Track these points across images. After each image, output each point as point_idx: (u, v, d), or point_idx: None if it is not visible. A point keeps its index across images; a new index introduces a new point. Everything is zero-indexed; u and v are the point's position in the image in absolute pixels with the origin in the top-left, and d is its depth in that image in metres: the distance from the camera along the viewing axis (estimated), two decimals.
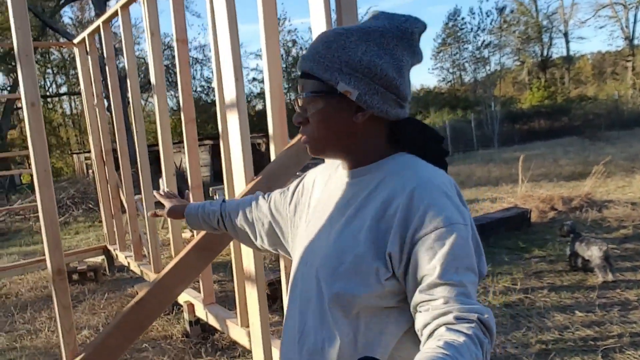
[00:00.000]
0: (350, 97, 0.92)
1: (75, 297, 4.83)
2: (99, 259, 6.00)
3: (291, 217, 1.17)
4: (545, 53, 32.37)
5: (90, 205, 11.26)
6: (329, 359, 0.94)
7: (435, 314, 0.80)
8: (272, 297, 4.08)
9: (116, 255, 5.51)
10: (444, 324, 0.78)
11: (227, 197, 2.89)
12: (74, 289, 5.17)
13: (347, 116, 0.94)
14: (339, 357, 0.93)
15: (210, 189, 8.06)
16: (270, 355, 1.85)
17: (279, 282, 4.21)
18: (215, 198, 8.01)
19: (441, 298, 0.81)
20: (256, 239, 1.29)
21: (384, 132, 0.97)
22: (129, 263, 5.07)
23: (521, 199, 6.62)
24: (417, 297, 0.84)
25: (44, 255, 5.74)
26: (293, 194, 1.19)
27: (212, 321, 3.36)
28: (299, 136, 1.80)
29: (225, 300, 4.32)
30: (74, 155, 22.48)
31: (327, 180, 1.09)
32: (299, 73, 0.98)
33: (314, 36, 1.90)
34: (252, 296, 1.80)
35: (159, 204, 5.10)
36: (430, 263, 0.83)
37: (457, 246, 0.84)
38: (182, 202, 1.48)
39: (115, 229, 5.52)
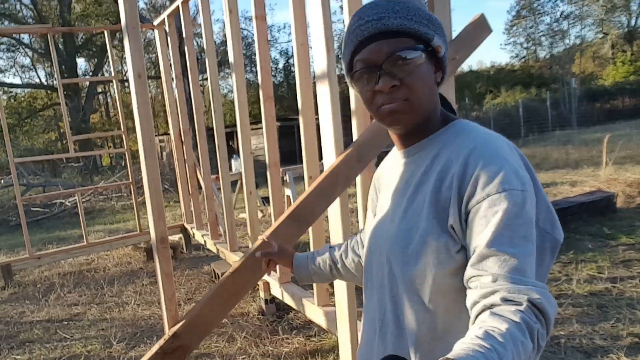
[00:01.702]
0: (438, 54, 0.90)
1: (155, 275, 5.06)
2: (177, 237, 6.24)
3: None
4: (633, 23, 29.75)
5: (166, 186, 11.75)
6: (411, 346, 0.91)
7: (482, 292, 0.76)
8: None
9: (193, 233, 5.71)
10: (490, 306, 0.74)
11: (305, 170, 2.87)
12: (154, 265, 5.42)
13: (431, 77, 0.91)
14: (420, 344, 0.90)
15: (281, 169, 8.15)
16: (356, 335, 1.81)
17: None
18: (285, 178, 8.10)
19: (490, 275, 0.76)
20: None
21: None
22: (205, 241, 5.24)
23: (605, 183, 6.15)
24: (468, 271, 0.80)
25: (127, 232, 6.01)
26: (373, 204, 1.15)
27: (288, 300, 3.39)
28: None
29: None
30: None
31: (388, 169, 1.07)
32: (373, 34, 0.88)
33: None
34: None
35: (233, 184, 5.19)
36: (482, 233, 0.79)
37: (512, 214, 0.77)
38: (286, 248, 1.38)
39: (192, 208, 5.72)
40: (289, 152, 15.39)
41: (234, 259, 4.38)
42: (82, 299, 4.46)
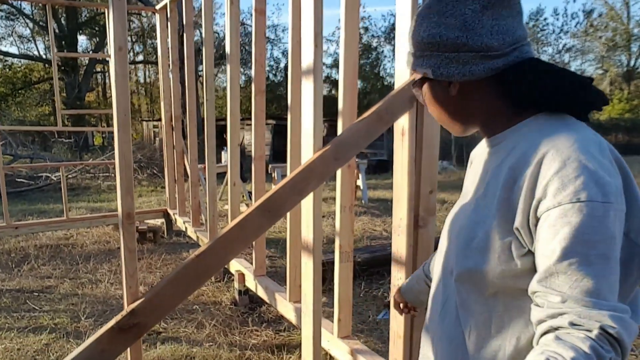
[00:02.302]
0: (429, 77, 0.91)
1: None
2: (159, 221, 6.23)
3: None
4: (632, 63, 30.24)
5: (155, 172, 11.72)
6: (464, 336, 0.90)
7: (550, 312, 0.71)
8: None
9: (175, 219, 5.70)
10: (556, 329, 0.69)
11: (289, 169, 2.89)
12: None
13: (444, 93, 0.92)
14: (472, 336, 0.89)
15: (270, 166, 8.16)
16: (319, 331, 1.83)
17: (331, 263, 4.22)
18: (273, 175, 8.11)
19: (559, 294, 0.70)
20: None
21: (498, 93, 0.88)
22: (186, 228, 5.24)
23: None
24: (534, 285, 0.75)
25: (109, 212, 5.98)
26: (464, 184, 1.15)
27: (261, 293, 3.40)
28: (372, 109, 1.75)
29: (275, 276, 4.36)
30: (144, 123, 23.47)
31: (478, 153, 1.03)
32: None
33: (397, 21, 1.83)
34: (308, 267, 1.78)
35: (221, 176, 5.20)
36: (550, 244, 0.72)
37: (587, 227, 0.70)
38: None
39: (176, 194, 5.71)
40: (284, 151, 15.47)
41: None
42: (56, 272, 4.44)
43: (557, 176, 0.73)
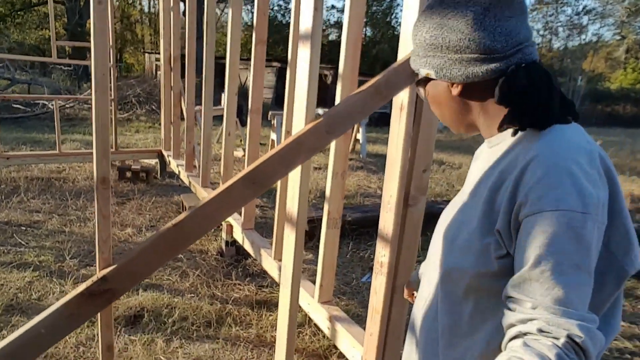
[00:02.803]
0: (431, 78, 0.92)
1: (125, 195, 5.02)
2: (153, 161, 6.17)
3: None
4: None
5: (154, 107, 11.54)
6: (439, 332, 0.94)
7: (520, 317, 0.72)
8: (309, 234, 4.08)
9: (169, 161, 5.65)
10: (525, 334, 0.71)
11: (284, 124, 2.81)
12: (125, 186, 5.38)
13: (446, 93, 0.92)
14: (444, 335, 0.92)
15: (270, 112, 8.01)
16: (296, 297, 1.81)
17: (319, 220, 4.21)
18: (272, 123, 7.98)
19: (530, 300, 0.72)
20: None
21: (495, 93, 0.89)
22: (179, 172, 5.19)
23: None
24: (507, 289, 0.76)
25: None
26: None
27: (248, 247, 3.40)
28: (370, 82, 1.65)
29: (264, 227, 4.36)
30: (146, 55, 22.91)
31: (480, 151, 1.04)
32: None
33: None
34: (290, 240, 1.74)
35: (218, 119, 5.06)
36: (526, 252, 0.73)
37: (563, 237, 0.71)
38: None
39: (171, 136, 5.62)
40: (282, 96, 15.13)
41: (204, 194, 4.36)
42: (45, 207, 4.43)
43: (541, 183, 0.74)
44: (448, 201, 5.40)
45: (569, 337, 0.67)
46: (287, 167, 1.57)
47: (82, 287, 1.35)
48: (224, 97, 8.68)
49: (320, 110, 8.59)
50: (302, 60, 1.57)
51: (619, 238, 0.79)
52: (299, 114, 1.63)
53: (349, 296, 3.22)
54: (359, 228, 4.38)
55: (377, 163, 7.81)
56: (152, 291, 2.98)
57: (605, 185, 0.77)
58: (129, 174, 5.55)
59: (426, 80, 0.95)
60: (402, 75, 1.68)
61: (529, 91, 0.82)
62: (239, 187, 1.51)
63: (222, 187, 1.49)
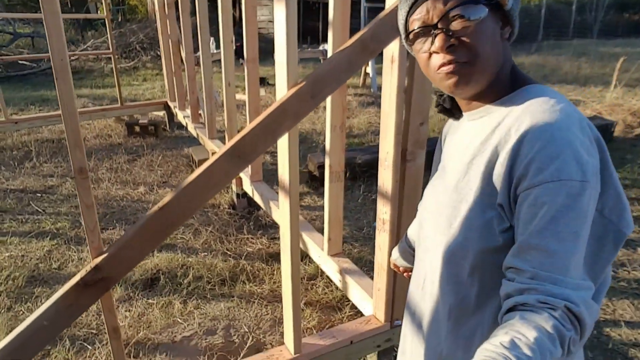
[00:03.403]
0: (504, 7, 0.81)
1: (135, 152, 5.02)
2: (161, 113, 6.12)
3: None
4: None
5: (159, 53, 11.28)
6: (445, 312, 0.93)
7: (518, 287, 0.72)
8: (320, 180, 4.06)
9: (176, 113, 5.58)
10: (522, 304, 0.71)
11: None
12: (135, 141, 5.37)
13: (498, 31, 0.82)
14: (452, 313, 0.91)
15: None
16: (297, 265, 1.80)
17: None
18: None
19: (529, 270, 0.72)
20: None
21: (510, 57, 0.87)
22: (186, 124, 5.14)
23: (608, 107, 5.91)
24: (507, 259, 0.77)
25: (112, 101, 5.86)
26: (437, 158, 1.09)
27: (258, 199, 3.40)
28: (356, 36, 1.53)
29: (275, 175, 4.34)
30: None
31: (453, 126, 1.01)
32: None
33: None
34: (284, 207, 1.70)
35: (216, 63, 4.94)
36: (527, 223, 0.74)
37: (563, 206, 0.71)
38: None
39: (175, 87, 5.52)
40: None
41: (212, 146, 4.33)
42: (58, 170, 4.47)
43: (540, 155, 0.73)
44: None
45: (566, 308, 0.68)
46: (273, 137, 1.50)
47: (76, 277, 1.36)
48: (222, 46, 8.41)
49: (325, 46, 8.31)
50: (279, 18, 1.45)
51: (612, 203, 0.79)
52: (281, 78, 1.53)
53: (362, 242, 3.22)
54: (370, 169, 4.32)
55: None
56: (167, 252, 3.03)
57: (596, 153, 0.76)
58: (137, 129, 5.53)
59: (490, 5, 0.80)
60: (390, 26, 1.55)
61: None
62: (223, 163, 1.46)
63: (203, 165, 1.44)
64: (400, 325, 2.10)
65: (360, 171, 4.24)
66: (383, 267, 1.97)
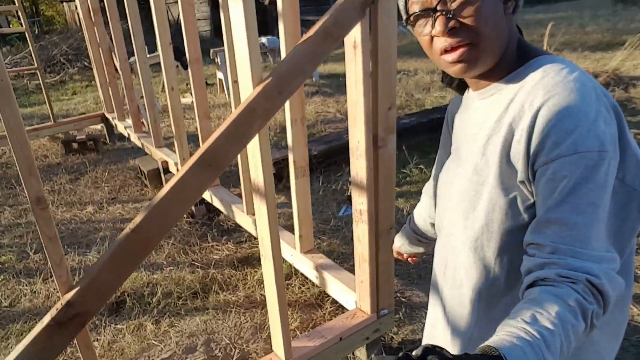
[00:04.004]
0: None
1: (77, 170, 4.73)
2: (99, 126, 5.80)
3: None
4: None
5: (86, 63, 10.71)
6: (470, 297, 0.92)
7: (539, 262, 0.71)
8: (277, 176, 3.97)
9: (115, 124, 5.30)
10: (543, 279, 0.70)
11: (227, 59, 2.58)
12: (75, 159, 5.06)
13: (501, 7, 0.79)
14: (481, 297, 0.91)
15: (211, 50, 7.55)
16: (280, 267, 1.73)
17: (285, 161, 4.08)
18: (216, 60, 7.54)
19: (549, 245, 0.71)
20: None
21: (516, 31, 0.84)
22: (129, 134, 4.89)
23: None
24: (527, 236, 0.76)
25: (43, 119, 5.46)
26: (444, 140, 1.08)
27: (217, 204, 3.28)
28: (317, 24, 1.46)
29: (230, 176, 4.23)
30: (64, 4, 21.01)
31: (461, 106, 0.98)
32: None
33: None
34: (262, 212, 1.62)
35: (156, 67, 4.70)
36: (546, 198, 0.73)
37: (582, 178, 0.70)
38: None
39: (111, 97, 5.24)
40: (221, 26, 14.00)
41: (160, 155, 4.13)
42: None
43: (556, 129, 0.72)
44: (412, 114, 5.33)
45: (587, 281, 0.67)
46: (243, 140, 1.41)
47: (47, 318, 1.22)
48: (160, 50, 8.10)
49: (263, 39, 8.14)
50: (236, 18, 1.36)
51: (633, 170, 0.77)
52: (244, 77, 1.45)
53: (330, 235, 3.18)
54: (326, 159, 4.28)
55: (332, 84, 7.58)
56: None
57: (613, 121, 0.75)
58: (75, 146, 5.20)
59: None
60: (353, 10, 1.50)
61: None
62: (194, 174, 1.36)
63: (174, 179, 1.34)
64: (387, 315, 2.08)
65: (317, 162, 4.19)
66: (364, 258, 1.93)
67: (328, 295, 2.46)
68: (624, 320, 0.88)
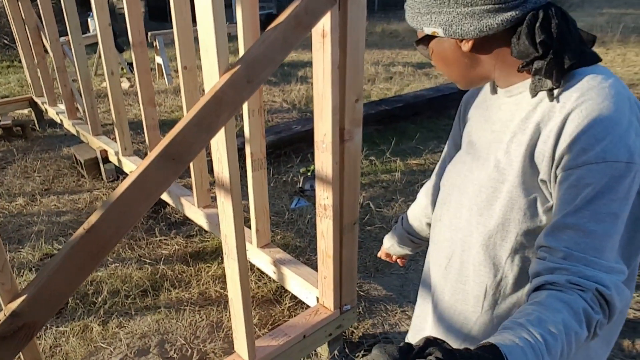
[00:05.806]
0: (439, 36, 0.84)
1: (3, 158, 4.35)
2: (26, 111, 5.37)
3: None
4: None
5: (6, 41, 9.91)
6: (474, 294, 0.91)
7: (549, 266, 0.71)
8: None
9: (45, 109, 4.92)
10: (551, 284, 0.69)
11: (177, 44, 2.40)
12: (0, 146, 4.65)
13: (456, 50, 0.84)
14: (486, 295, 0.89)
15: (149, 33, 7.17)
16: (245, 268, 1.65)
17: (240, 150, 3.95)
18: (155, 45, 7.18)
19: (562, 250, 0.70)
20: None
21: (519, 44, 0.81)
22: (62, 120, 4.55)
23: None
24: (540, 238, 0.75)
25: None
26: (456, 131, 1.07)
27: (165, 197, 3.11)
28: (287, 11, 1.38)
29: None
30: None
31: (482, 99, 0.96)
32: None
33: None
34: (227, 209, 1.53)
35: (90, 47, 4.39)
36: (566, 203, 0.72)
37: (606, 187, 0.69)
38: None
39: (40, 79, 4.84)
40: (164, 6, 13.28)
41: (98, 144, 3.88)
42: None
43: (586, 135, 0.70)
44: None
45: (597, 291, 0.67)
46: (209, 132, 1.32)
47: None
48: (91, 22, 7.55)
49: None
50: (203, 7, 1.25)
51: None
52: (210, 64, 1.35)
53: (283, 228, 3.11)
54: (275, 151, 4.19)
55: (277, 73, 7.43)
56: None
57: None
58: (0, 132, 4.79)
59: (429, 38, 0.86)
60: None
61: (559, 37, 0.75)
62: (157, 169, 1.25)
63: (134, 174, 1.22)
64: (349, 310, 2.05)
65: (266, 154, 4.09)
66: (328, 254, 1.89)
67: (286, 291, 2.40)
68: (617, 327, 0.89)
